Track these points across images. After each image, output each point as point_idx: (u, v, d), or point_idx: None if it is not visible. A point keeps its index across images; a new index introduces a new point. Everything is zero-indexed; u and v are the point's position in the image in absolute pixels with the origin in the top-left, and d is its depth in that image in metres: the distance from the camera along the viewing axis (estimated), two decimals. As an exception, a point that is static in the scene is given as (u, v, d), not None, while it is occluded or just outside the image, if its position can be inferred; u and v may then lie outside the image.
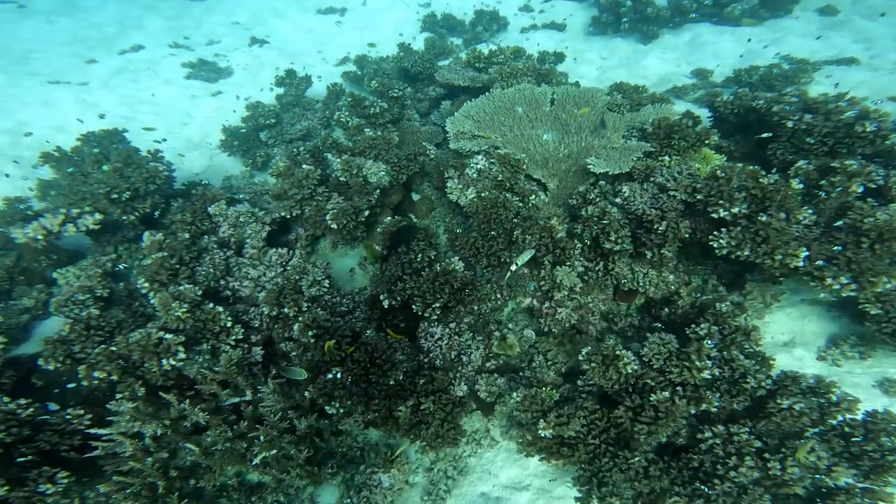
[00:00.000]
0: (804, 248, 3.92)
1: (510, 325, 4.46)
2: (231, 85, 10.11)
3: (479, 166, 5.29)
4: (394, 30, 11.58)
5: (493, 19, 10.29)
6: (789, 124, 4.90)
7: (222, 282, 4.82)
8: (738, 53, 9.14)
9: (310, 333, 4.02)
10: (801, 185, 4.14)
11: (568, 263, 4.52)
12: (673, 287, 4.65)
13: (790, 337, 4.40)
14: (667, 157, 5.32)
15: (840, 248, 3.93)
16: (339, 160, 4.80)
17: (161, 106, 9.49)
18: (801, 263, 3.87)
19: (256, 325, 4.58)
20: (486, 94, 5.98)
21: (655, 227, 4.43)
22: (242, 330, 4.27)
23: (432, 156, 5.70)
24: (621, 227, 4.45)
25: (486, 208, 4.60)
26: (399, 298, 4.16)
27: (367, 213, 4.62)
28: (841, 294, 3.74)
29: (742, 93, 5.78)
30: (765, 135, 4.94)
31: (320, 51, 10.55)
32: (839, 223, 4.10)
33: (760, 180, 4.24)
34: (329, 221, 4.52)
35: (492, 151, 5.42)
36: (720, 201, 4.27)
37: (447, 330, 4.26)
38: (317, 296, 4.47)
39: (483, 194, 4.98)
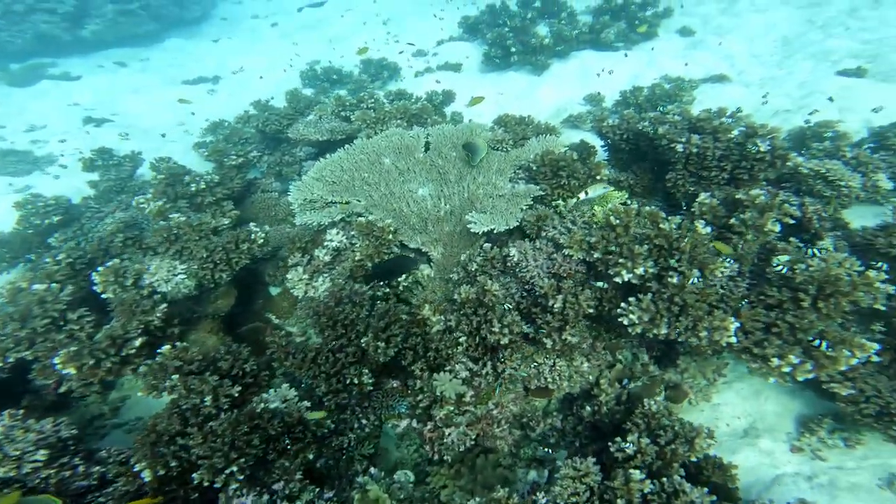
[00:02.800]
0: (733, 317, 2.71)
1: (372, 472, 2.84)
2: (43, 177, 7.26)
3: (334, 244, 3.75)
4: (274, 91, 9.87)
5: (382, 67, 8.95)
6: (679, 148, 3.82)
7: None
8: (623, 77, 8.47)
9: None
10: (708, 229, 2.97)
11: (448, 368, 3.04)
12: (591, 377, 3.31)
13: (749, 422, 3.14)
14: (561, 202, 4.08)
15: (776, 311, 2.77)
16: (101, 268, 3.03)
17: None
18: (732, 339, 2.65)
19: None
20: (345, 146, 4.49)
21: (551, 303, 3.08)
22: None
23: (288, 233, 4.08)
24: (507, 312, 3.06)
25: (329, 306, 3.04)
26: (176, 465, 2.44)
27: (138, 341, 2.87)
28: (796, 377, 2.53)
29: (628, 114, 4.68)
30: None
31: (183, 123, 8.49)
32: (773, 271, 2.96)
33: (662, 225, 3.02)
34: (59, 366, 2.71)
35: (354, 220, 3.91)
36: (620, 259, 3.00)
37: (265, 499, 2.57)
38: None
39: (339, 281, 3.43)
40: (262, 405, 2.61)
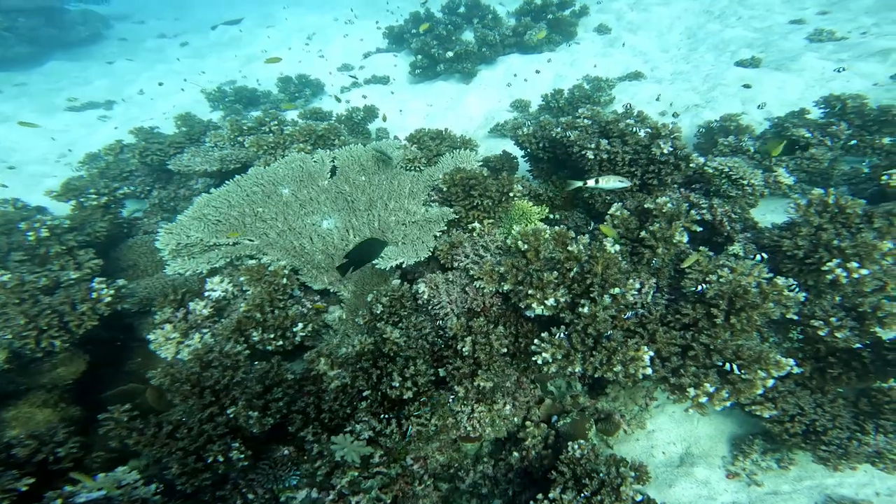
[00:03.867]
0: (647, 346, 2.43)
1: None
2: None
3: (217, 293, 3.18)
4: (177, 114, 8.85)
5: (304, 84, 8.28)
6: (590, 155, 3.56)
7: None
8: (548, 79, 8.32)
9: None
10: (617, 248, 2.68)
11: (349, 428, 2.58)
12: (516, 419, 2.95)
13: (684, 448, 2.88)
14: (477, 224, 3.71)
15: (693, 331, 2.52)
16: None
17: None
18: (648, 370, 2.37)
19: None
20: (236, 178, 3.90)
21: (460, 346, 2.70)
22: None
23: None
24: (411, 361, 2.64)
25: (193, 372, 2.48)
26: None
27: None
28: (714, 407, 2.28)
29: (545, 121, 4.39)
30: (577, 183, 3.41)
31: (64, 155, 7.28)
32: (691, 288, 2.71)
33: (570, 248, 2.71)
34: None
35: (243, 263, 3.35)
36: (530, 291, 2.66)
37: None
38: None
39: (214, 340, 2.87)
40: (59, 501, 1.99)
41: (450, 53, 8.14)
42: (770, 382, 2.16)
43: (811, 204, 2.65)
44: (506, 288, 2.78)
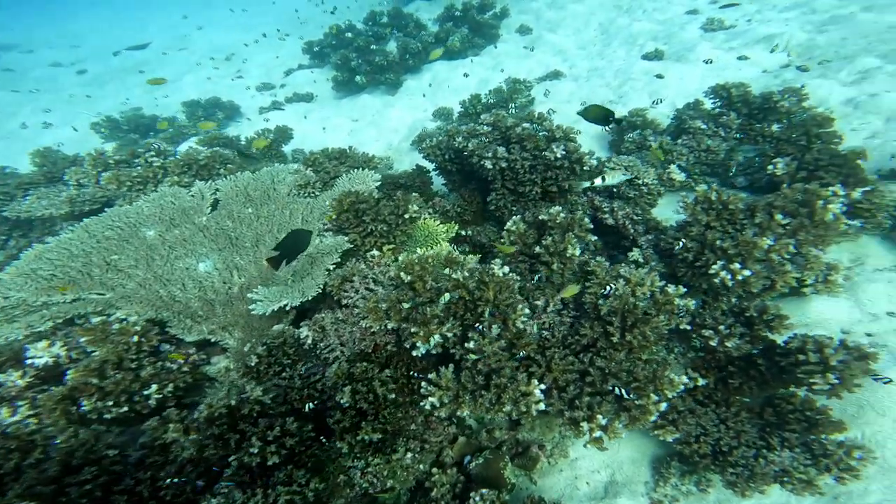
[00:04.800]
0: (541, 378, 2.18)
1: None
2: None
3: (42, 360, 2.64)
4: (67, 149, 7.89)
5: (215, 106, 7.68)
6: (488, 164, 3.33)
7: None
8: (471, 84, 8.19)
9: None
10: (505, 270, 2.43)
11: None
12: (422, 467, 2.62)
13: (609, 475, 2.65)
14: (375, 252, 3.38)
15: (591, 353, 2.29)
16: None
17: None
18: (541, 405, 2.12)
19: None
20: (82, 222, 3.34)
21: (338, 398, 2.34)
22: None
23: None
24: (274, 421, 2.25)
25: None
26: None
27: None
28: (610, 440, 2.05)
29: (452, 130, 4.18)
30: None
31: None
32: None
33: (455, 275, 2.43)
34: None
35: (82, 324, 2.83)
36: (413, 328, 2.35)
37: None
38: None
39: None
40: None
41: (366, 68, 7.80)
42: (663, 406, 1.96)
43: (697, 202, 2.52)
44: (390, 326, 2.46)
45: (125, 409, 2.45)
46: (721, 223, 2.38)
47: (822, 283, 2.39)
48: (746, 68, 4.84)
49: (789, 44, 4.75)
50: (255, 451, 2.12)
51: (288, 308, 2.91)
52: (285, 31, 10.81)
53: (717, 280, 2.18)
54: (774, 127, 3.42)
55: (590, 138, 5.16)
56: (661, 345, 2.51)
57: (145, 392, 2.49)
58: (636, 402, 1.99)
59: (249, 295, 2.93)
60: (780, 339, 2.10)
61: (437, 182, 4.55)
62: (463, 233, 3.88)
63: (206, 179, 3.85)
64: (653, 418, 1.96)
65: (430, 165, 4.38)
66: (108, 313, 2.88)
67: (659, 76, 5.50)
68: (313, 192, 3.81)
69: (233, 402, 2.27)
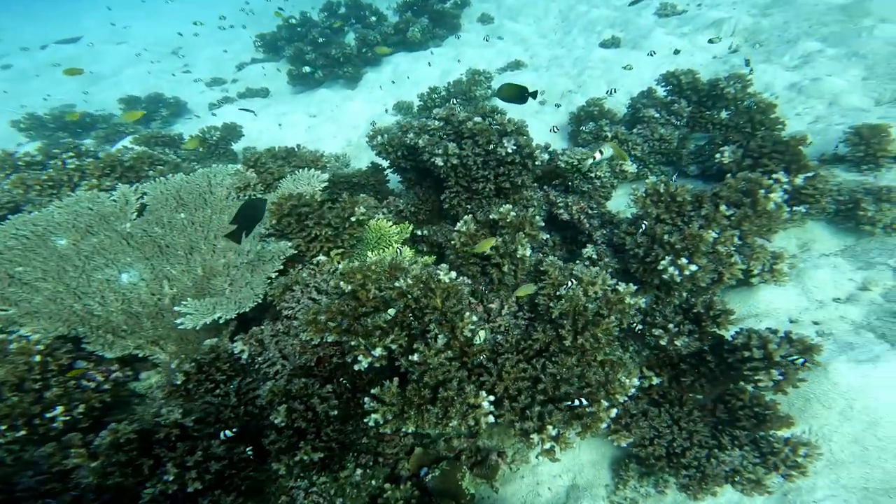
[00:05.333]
0: (490, 389, 2.07)
1: None
2: None
3: None
4: None
5: (157, 103, 7.14)
6: (439, 161, 3.18)
7: None
8: (433, 76, 7.97)
9: None
10: (452, 275, 2.29)
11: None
12: (374, 483, 2.47)
13: (570, 479, 2.58)
14: (322, 258, 3.17)
15: (544, 358, 2.19)
16: None
17: None
18: (490, 417, 2.01)
19: None
20: None
21: (272, 417, 2.16)
22: None
23: None
24: (203, 443, 2.05)
25: None
26: None
27: None
28: (562, 451, 1.96)
29: (405, 125, 3.99)
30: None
31: None
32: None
33: (398, 283, 2.27)
34: None
35: None
36: (352, 342, 2.19)
37: None
38: None
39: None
40: None
41: (322, 61, 7.45)
42: (614, 412, 1.88)
43: (647, 194, 2.45)
44: (330, 339, 2.28)
45: (22, 432, 2.18)
46: (671, 215, 2.31)
47: (768, 272, 2.38)
48: (698, 53, 4.85)
49: (736, 28, 4.79)
50: (171, 478, 1.92)
51: (222, 321, 2.69)
52: (240, 24, 10.21)
53: (665, 276, 2.11)
54: (723, 114, 3.42)
55: (548, 129, 5.07)
56: (615, 344, 2.44)
57: (48, 414, 2.23)
58: (587, 409, 1.90)
59: (176, 308, 2.69)
60: (728, 334, 2.06)
61: (395, 180, 4.36)
62: (419, 233, 3.72)
63: (133, 182, 3.52)
64: (604, 425, 1.88)
65: (385, 163, 4.18)
66: (11, 331, 2.57)
67: (628, 67, 5.43)
68: (255, 195, 3.55)
69: (144, 426, 2.05)
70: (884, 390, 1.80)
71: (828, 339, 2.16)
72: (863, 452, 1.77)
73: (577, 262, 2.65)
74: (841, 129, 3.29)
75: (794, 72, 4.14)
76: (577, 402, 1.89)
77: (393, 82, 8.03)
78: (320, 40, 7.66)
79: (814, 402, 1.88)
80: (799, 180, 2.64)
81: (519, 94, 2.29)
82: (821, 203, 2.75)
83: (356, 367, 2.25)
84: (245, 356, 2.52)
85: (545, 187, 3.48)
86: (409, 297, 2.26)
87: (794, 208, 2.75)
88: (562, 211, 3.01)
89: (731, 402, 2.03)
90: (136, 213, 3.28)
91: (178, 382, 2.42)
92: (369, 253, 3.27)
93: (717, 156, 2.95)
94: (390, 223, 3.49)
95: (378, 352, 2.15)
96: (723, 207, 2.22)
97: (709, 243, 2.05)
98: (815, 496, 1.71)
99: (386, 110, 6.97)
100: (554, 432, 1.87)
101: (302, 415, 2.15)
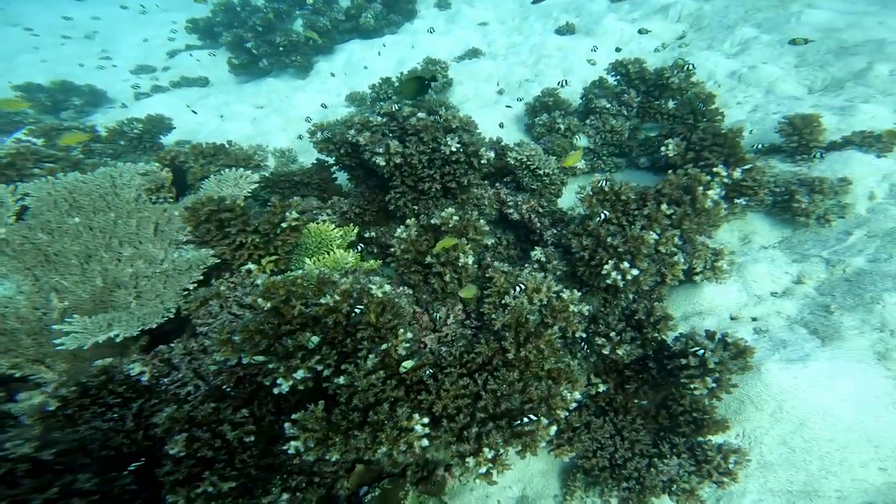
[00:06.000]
0: (419, 413, 1.92)
1: None
2: None
3: None
4: None
5: (68, 91, 6.37)
6: (380, 161, 2.96)
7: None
8: (390, 65, 7.61)
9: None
10: (386, 289, 2.12)
11: None
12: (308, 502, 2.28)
13: (520, 490, 2.50)
14: (252, 266, 2.90)
15: (486, 373, 2.06)
16: None
17: None
18: (424, 441, 1.87)
19: None
20: None
21: (169, 449, 1.92)
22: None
23: None
24: (40, 488, 1.79)
25: None
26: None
27: None
28: (499, 473, 1.85)
29: (349, 120, 3.70)
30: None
31: None
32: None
33: (324, 300, 2.07)
34: None
35: None
36: (272, 363, 1.98)
37: None
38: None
39: None
40: None
41: (265, 48, 6.92)
42: (553, 430, 1.78)
43: (594, 193, 2.35)
44: (245, 360, 2.06)
45: None
46: (616, 215, 2.23)
47: (709, 269, 2.36)
48: (647, 41, 4.82)
49: (682, 13, 4.78)
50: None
51: (120, 339, 2.39)
52: (162, 7, 9.33)
53: (609, 281, 2.02)
54: (671, 104, 3.38)
55: (509, 121, 4.91)
56: (562, 352, 2.36)
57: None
58: (527, 427, 1.80)
59: (56, 327, 2.37)
60: (670, 337, 2.01)
61: (343, 178, 4.10)
62: (367, 234, 3.51)
63: (11, 182, 3.07)
64: (543, 444, 1.79)
65: (331, 160, 3.90)
66: None
67: (591, 62, 5.30)
68: (168, 198, 3.19)
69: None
70: (812, 390, 1.81)
71: (763, 337, 2.17)
72: (790, 455, 1.78)
73: (526, 265, 2.54)
74: (776, 118, 3.32)
75: (734, 59, 4.16)
76: (517, 422, 1.78)
77: (346, 74, 7.62)
78: (259, 28, 7.10)
79: (747, 404, 1.87)
80: (737, 173, 2.62)
81: (421, 87, 2.13)
82: (759, 195, 2.77)
83: (275, 391, 2.04)
84: (146, 378, 2.25)
85: (497, 184, 3.34)
86: (339, 313, 2.06)
87: (735, 201, 2.75)
88: (511, 210, 2.88)
89: (672, 407, 1.99)
90: (14, 217, 2.87)
91: (52, 408, 2.12)
92: (307, 260, 3.03)
93: (663, 148, 2.90)
94: (332, 226, 3.24)
95: (300, 374, 1.95)
96: (664, 206, 2.15)
97: (650, 245, 1.98)
98: (744, 501, 1.70)
99: (324, 106, 6.58)
100: (490, 455, 1.76)
101: (207, 443, 1.92)
